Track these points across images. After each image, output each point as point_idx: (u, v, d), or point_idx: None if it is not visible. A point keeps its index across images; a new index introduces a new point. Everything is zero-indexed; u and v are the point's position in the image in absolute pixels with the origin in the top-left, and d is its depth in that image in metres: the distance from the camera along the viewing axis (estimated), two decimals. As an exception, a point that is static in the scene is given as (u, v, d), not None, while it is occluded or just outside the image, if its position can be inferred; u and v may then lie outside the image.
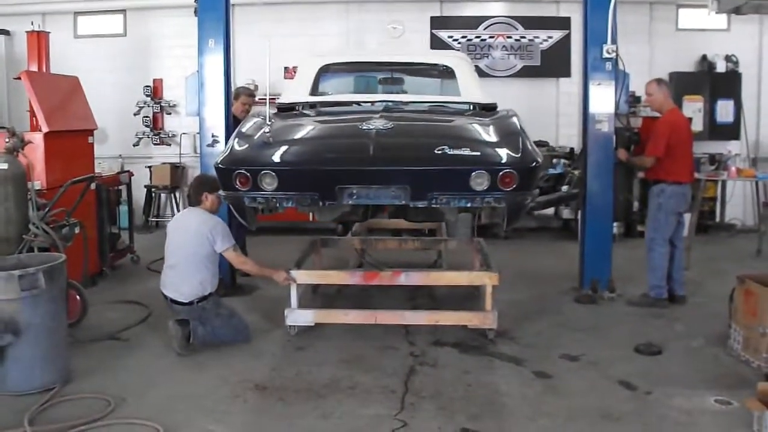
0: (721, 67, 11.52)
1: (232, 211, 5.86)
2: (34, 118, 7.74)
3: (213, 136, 7.36)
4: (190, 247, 5.81)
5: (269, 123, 5.58)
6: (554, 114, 11.86)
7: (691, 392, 4.85)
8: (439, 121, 6.23)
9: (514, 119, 5.83)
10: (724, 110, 11.48)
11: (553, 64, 11.76)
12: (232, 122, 7.51)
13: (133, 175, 9.71)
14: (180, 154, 12.05)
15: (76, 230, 6.61)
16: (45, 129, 7.29)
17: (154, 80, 12.07)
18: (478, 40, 11.79)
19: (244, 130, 5.75)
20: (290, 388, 5.00)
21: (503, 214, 5.59)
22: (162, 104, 12.07)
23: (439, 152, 5.18)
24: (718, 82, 11.49)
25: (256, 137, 5.57)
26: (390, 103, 6.41)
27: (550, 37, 11.73)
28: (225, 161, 5.43)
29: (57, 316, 5.04)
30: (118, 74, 11.92)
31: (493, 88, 10.94)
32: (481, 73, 11.31)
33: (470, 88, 6.65)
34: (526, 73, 11.86)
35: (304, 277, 6.24)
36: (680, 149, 6.91)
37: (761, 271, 5.94)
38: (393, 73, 7.36)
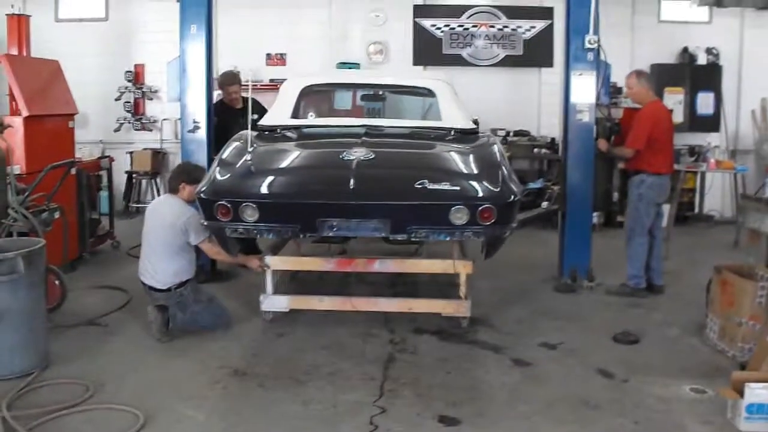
0: (702, 59, 11.59)
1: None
2: (13, 102, 7.65)
3: (194, 122, 7.33)
4: (164, 238, 5.78)
5: (250, 150, 5.57)
6: (536, 104, 11.87)
7: (667, 381, 4.90)
8: (419, 149, 6.22)
9: (494, 147, 5.84)
10: (705, 102, 11.54)
11: (536, 53, 11.74)
12: (223, 110, 7.55)
13: (113, 160, 9.64)
14: (161, 140, 11.97)
15: (56, 215, 6.55)
16: (25, 113, 7.21)
17: (136, 65, 11.95)
18: (461, 29, 11.75)
19: (224, 156, 5.69)
20: (270, 374, 5.01)
21: (482, 246, 5.67)
22: (143, 90, 11.96)
23: (419, 186, 5.19)
24: (698, 74, 11.55)
25: (237, 166, 5.52)
26: (371, 128, 6.37)
27: (533, 27, 11.71)
28: (206, 192, 5.38)
29: (36, 301, 5.01)
30: (100, 59, 11.78)
31: (476, 77, 11.13)
32: (463, 63, 11.47)
33: (451, 112, 6.58)
34: (509, 62, 11.84)
35: (278, 263, 6.22)
36: (661, 141, 6.96)
37: (738, 262, 6.01)
38: (375, 95, 7.35)
